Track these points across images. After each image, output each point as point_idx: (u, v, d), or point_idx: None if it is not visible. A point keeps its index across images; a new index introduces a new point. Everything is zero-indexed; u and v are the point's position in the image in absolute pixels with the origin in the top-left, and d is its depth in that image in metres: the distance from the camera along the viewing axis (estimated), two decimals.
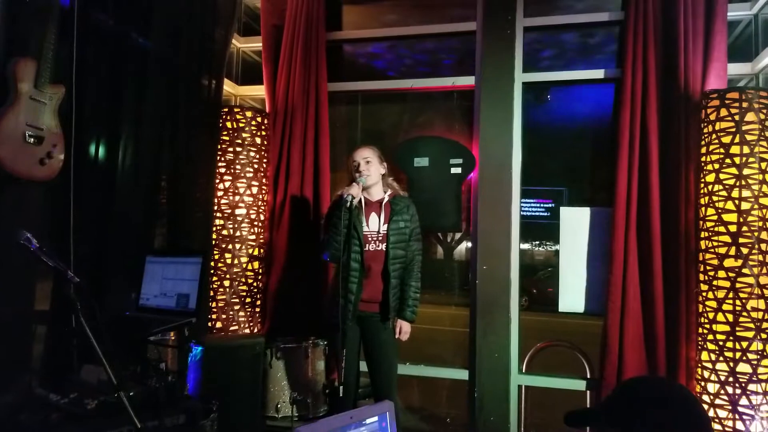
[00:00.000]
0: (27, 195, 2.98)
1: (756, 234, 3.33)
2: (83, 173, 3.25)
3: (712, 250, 3.45)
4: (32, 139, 2.80)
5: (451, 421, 5.01)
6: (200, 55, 4.18)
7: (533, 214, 17.72)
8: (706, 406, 3.41)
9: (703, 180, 3.56)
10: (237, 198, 4.37)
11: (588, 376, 4.18)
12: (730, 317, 3.34)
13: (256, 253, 4.45)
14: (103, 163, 3.48)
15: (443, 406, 5.38)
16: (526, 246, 17.93)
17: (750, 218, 3.34)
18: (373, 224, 3.51)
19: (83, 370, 2.75)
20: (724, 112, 3.46)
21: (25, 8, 2.91)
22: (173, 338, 3.52)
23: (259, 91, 4.90)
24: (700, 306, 3.54)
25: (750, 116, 3.40)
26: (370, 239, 3.49)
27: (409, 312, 3.54)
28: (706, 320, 3.46)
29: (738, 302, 3.33)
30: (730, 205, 3.40)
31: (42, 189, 3.06)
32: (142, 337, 3.03)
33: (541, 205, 17.49)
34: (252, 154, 4.44)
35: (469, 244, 4.37)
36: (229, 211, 4.35)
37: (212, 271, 4.28)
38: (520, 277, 4.23)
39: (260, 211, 4.51)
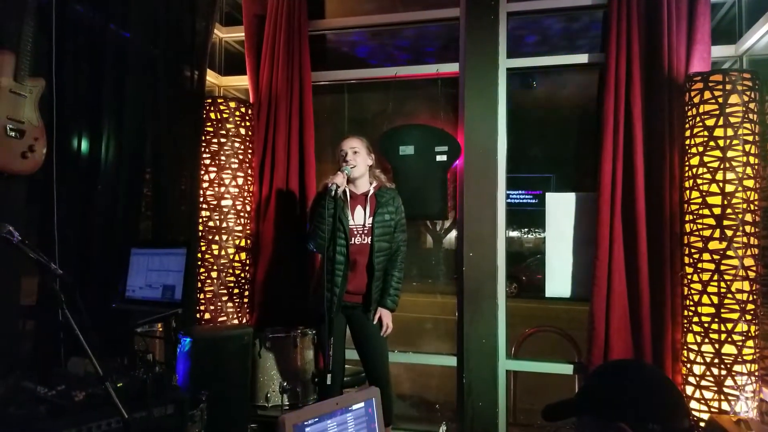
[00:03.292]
0: (9, 189, 2.96)
1: (740, 216, 3.35)
2: (66, 166, 3.24)
3: (697, 233, 3.47)
4: (13, 133, 2.78)
5: (440, 407, 5.04)
6: (182, 45, 4.15)
7: (521, 201, 17.79)
8: (691, 388, 3.45)
9: (687, 163, 3.58)
10: (222, 189, 4.35)
11: (576, 360, 4.21)
12: (715, 299, 3.37)
13: (242, 244, 4.44)
14: (86, 156, 3.46)
15: (432, 393, 5.42)
16: (515, 233, 17.99)
17: (734, 200, 3.36)
18: (359, 217, 3.51)
19: (70, 363, 2.75)
20: (707, 94, 3.47)
21: (1, 1, 2.88)
22: (161, 329, 3.51)
23: (243, 81, 4.88)
24: (686, 288, 3.56)
25: (734, 98, 3.41)
26: (355, 232, 3.49)
27: (390, 301, 3.55)
28: (692, 303, 3.49)
29: (723, 284, 3.35)
30: (714, 188, 3.41)
31: (25, 182, 3.04)
32: (128, 328, 3.02)
33: (530, 193, 17.57)
34: (237, 144, 4.42)
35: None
36: (214, 202, 4.33)
37: (199, 263, 4.27)
38: (507, 264, 4.24)
39: (246, 202, 4.49)
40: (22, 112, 2.83)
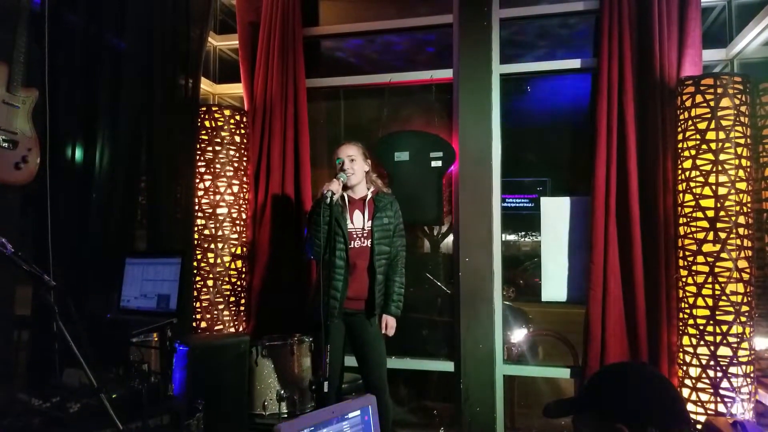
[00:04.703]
0: (3, 200, 2.95)
1: (733, 218, 3.36)
2: (60, 176, 3.23)
3: (691, 236, 3.48)
4: (6, 144, 2.79)
5: (438, 412, 5.02)
6: (176, 54, 4.14)
7: (517, 205, 17.79)
8: (688, 390, 3.45)
9: (680, 166, 3.59)
10: (218, 197, 4.35)
11: (573, 364, 4.21)
12: (710, 301, 3.38)
13: (238, 252, 4.43)
14: (80, 166, 3.46)
15: (431, 398, 5.40)
16: (512, 237, 17.95)
17: (727, 203, 3.37)
18: (358, 221, 3.51)
19: (65, 374, 2.74)
20: (699, 98, 3.48)
21: None
22: (156, 339, 3.50)
23: (237, 89, 4.88)
24: (680, 291, 3.57)
25: (725, 102, 3.42)
26: (355, 236, 3.49)
27: (393, 307, 3.56)
28: (687, 305, 3.50)
29: (717, 286, 3.36)
30: (707, 191, 3.42)
31: (18, 193, 3.04)
32: (123, 338, 3.02)
33: (525, 197, 17.58)
34: (232, 152, 4.42)
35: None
36: (210, 210, 4.33)
37: (195, 271, 4.26)
38: (504, 268, 4.24)
39: (242, 209, 4.49)
40: (15, 123, 2.84)
